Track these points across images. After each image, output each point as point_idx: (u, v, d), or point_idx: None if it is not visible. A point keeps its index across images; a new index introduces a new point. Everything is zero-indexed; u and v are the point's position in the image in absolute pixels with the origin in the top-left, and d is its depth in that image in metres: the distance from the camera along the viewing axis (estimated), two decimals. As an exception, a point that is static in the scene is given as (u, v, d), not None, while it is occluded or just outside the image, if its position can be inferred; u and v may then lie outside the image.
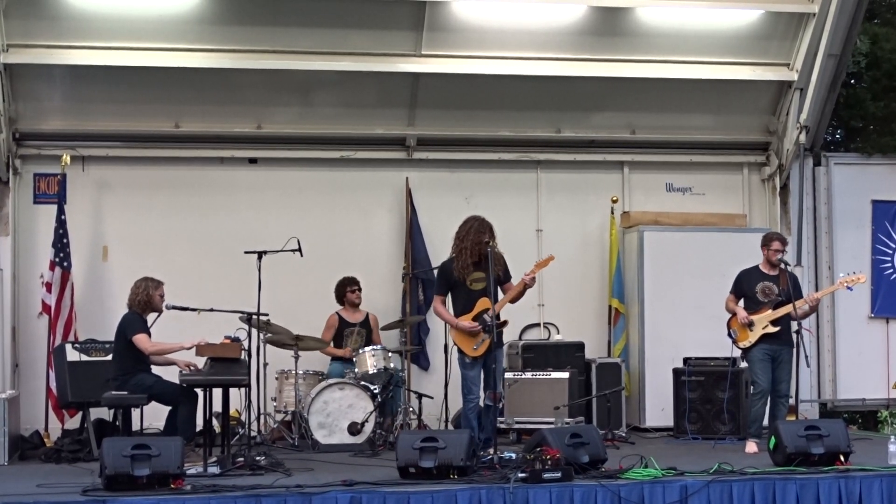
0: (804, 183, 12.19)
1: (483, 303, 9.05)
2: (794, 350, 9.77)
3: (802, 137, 11.96)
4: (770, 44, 11.89)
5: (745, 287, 10.06)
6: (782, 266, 9.96)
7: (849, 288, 10.10)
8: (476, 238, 9.09)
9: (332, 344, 11.00)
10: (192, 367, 9.07)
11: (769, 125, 12.48)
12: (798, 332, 9.70)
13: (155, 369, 9.51)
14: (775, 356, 9.85)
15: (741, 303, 10.07)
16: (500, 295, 9.17)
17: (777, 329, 9.82)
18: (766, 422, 9.82)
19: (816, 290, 11.81)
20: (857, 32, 11.86)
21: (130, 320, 9.43)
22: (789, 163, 12.26)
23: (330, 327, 11.08)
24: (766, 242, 10.05)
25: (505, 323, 9.15)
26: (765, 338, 9.84)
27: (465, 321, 9.07)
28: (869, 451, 8.92)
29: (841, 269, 12.05)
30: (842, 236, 12.36)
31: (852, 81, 13.01)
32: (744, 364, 10.32)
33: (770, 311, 9.86)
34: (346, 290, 11.08)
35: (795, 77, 11.94)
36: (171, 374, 9.24)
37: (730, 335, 10.03)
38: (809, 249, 12.30)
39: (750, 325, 9.86)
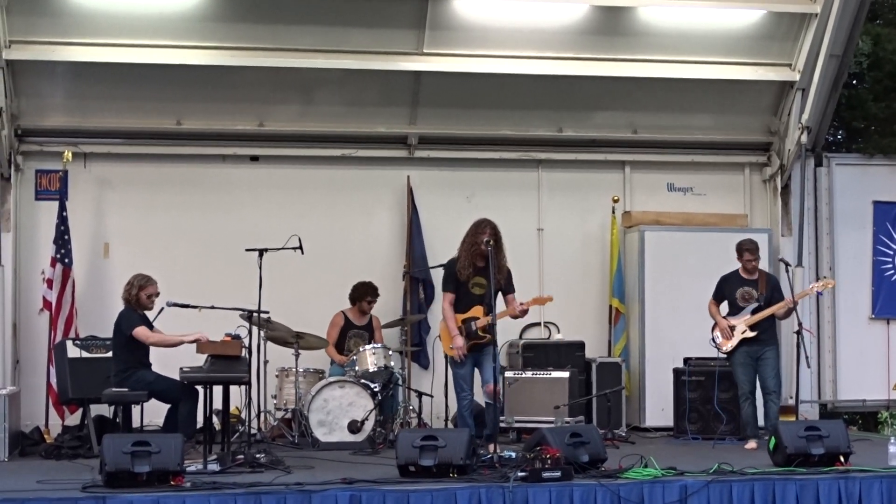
0: (805, 183, 12.18)
1: (476, 311, 9.15)
2: (778, 347, 10.16)
3: (804, 138, 11.95)
4: (772, 44, 11.88)
5: (725, 292, 10.32)
6: (782, 265, 10.13)
7: (819, 293, 10.67)
8: (472, 239, 9.18)
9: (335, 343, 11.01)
10: (206, 339, 9.03)
11: (771, 125, 12.47)
12: (798, 332, 9.84)
13: (158, 364, 9.52)
14: (756, 356, 10.09)
15: (724, 306, 10.31)
16: (500, 302, 9.27)
17: (755, 333, 10.02)
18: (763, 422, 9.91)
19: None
20: (859, 33, 11.84)
21: (126, 316, 9.47)
22: (790, 163, 12.25)
23: (335, 326, 11.07)
24: (737, 252, 10.26)
25: (485, 337, 9.15)
26: (745, 341, 10.07)
27: (453, 329, 9.20)
28: (869, 452, 8.92)
29: (842, 269, 12.12)
30: (843, 237, 12.35)
31: (854, 82, 13.02)
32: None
33: (749, 316, 10.05)
34: (366, 299, 11.05)
35: (797, 77, 11.93)
36: (171, 371, 9.25)
37: (713, 340, 10.25)
38: (810, 250, 12.29)
39: (731, 329, 10.09)
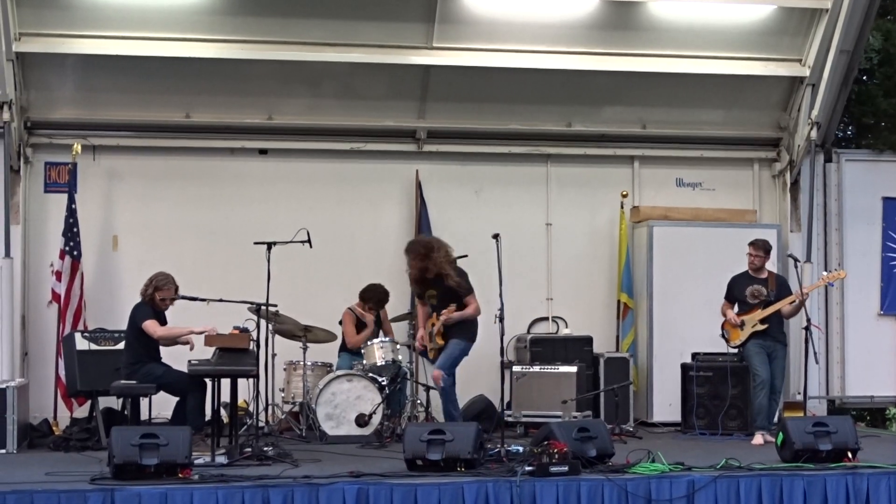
0: (815, 179, 12.15)
1: (431, 321, 9.70)
2: (787, 349, 10.22)
3: (814, 134, 11.92)
4: (782, 39, 11.85)
5: (735, 292, 10.37)
6: (790, 260, 10.17)
7: (830, 284, 10.66)
8: None
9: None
10: (214, 331, 9.06)
11: (780, 121, 12.44)
12: (807, 328, 9.85)
13: (167, 356, 9.54)
14: (768, 351, 10.15)
15: (735, 308, 10.38)
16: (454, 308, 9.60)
17: (766, 326, 10.10)
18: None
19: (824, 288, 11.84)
20: (869, 28, 11.81)
21: (139, 309, 9.51)
22: (800, 159, 12.22)
23: (350, 321, 10.98)
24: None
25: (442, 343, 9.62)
26: (755, 335, 10.13)
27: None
28: (877, 449, 8.94)
29: (851, 266, 12.07)
30: (852, 233, 12.33)
31: (864, 78, 12.99)
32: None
33: (759, 310, 10.12)
34: (367, 305, 10.94)
35: (807, 73, 11.90)
36: (180, 364, 9.27)
37: (723, 335, 10.34)
38: (819, 246, 12.27)
39: (741, 325, 10.16)
